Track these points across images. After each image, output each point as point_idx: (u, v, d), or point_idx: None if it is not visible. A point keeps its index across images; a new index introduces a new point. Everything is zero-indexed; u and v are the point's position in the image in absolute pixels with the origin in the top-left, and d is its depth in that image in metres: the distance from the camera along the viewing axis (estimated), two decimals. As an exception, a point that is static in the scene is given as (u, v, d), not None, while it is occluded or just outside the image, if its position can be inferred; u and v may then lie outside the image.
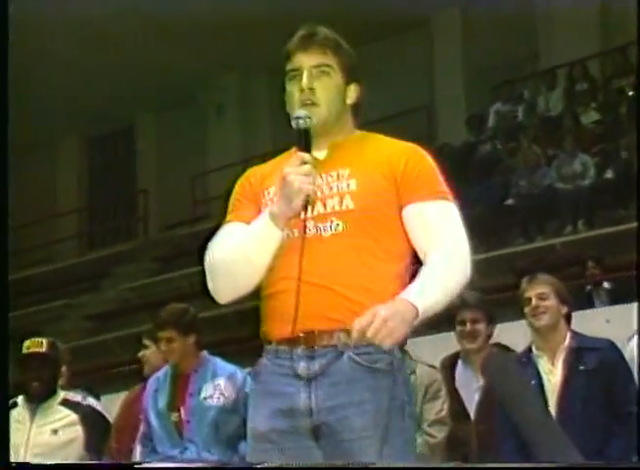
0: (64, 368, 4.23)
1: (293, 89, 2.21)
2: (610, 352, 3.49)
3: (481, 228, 8.35)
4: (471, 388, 3.69)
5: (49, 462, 3.91)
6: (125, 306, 10.82)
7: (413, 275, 2.20)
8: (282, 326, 2.14)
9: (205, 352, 3.87)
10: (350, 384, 2.10)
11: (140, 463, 3.46)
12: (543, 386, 3.43)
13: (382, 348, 2.05)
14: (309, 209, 2.13)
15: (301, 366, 2.12)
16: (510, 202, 8.44)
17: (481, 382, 3.73)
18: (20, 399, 4.02)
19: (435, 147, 10.24)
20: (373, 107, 11.38)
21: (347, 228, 2.14)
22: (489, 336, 3.78)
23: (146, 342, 4.27)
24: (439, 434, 3.62)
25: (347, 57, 2.24)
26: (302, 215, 2.13)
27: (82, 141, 13.75)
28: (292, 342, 2.13)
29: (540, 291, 3.51)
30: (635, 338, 3.78)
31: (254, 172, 2.34)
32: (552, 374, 3.42)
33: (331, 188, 2.17)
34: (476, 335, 3.73)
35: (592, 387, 3.37)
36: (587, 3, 9.87)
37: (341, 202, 2.15)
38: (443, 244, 2.15)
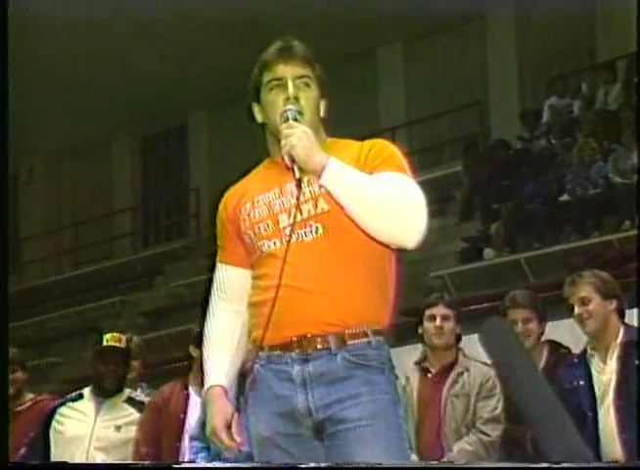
0: (136, 363, 4.29)
1: (276, 98, 2.27)
2: None
3: (536, 224, 8.24)
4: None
5: (110, 458, 3.96)
6: (178, 303, 10.92)
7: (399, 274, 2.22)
8: (274, 332, 2.18)
9: None
10: (346, 380, 2.16)
11: (139, 464, 3.45)
12: (592, 386, 3.36)
13: (375, 347, 2.15)
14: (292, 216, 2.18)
15: (296, 370, 2.18)
16: (565, 198, 8.30)
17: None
18: (86, 391, 4.09)
19: (490, 144, 10.16)
20: (429, 103, 11.37)
21: (327, 230, 2.19)
22: (542, 334, 3.73)
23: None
24: (494, 432, 3.58)
25: (321, 72, 2.32)
26: (296, 174, 2.16)
27: (136, 140, 13.92)
28: (285, 346, 2.19)
29: (582, 295, 3.42)
30: None
31: (231, 195, 2.40)
32: (603, 372, 3.36)
33: (304, 194, 2.21)
34: (528, 334, 3.68)
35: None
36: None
37: (315, 205, 2.20)
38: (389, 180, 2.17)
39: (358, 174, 2.15)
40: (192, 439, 3.84)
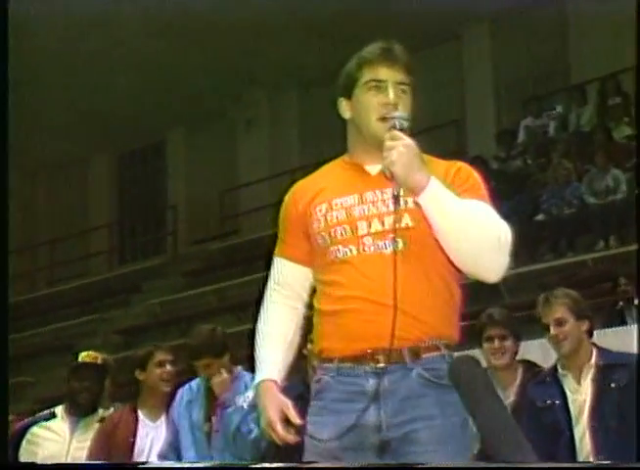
0: (107, 382, 4.26)
1: (372, 100, 2.21)
2: None
3: (511, 244, 8.28)
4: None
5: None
6: (153, 321, 10.86)
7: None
8: (347, 344, 2.15)
9: (239, 368, 3.89)
10: (419, 399, 2.12)
11: (140, 464, 3.44)
12: (567, 405, 3.38)
13: (448, 361, 2.11)
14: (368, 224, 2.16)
15: (370, 383, 2.13)
16: (540, 217, 8.37)
17: (511, 398, 3.69)
18: (59, 409, 4.05)
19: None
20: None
21: (408, 246, 2.15)
22: (516, 352, 3.75)
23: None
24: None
25: (414, 79, 2.27)
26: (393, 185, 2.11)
27: (113, 157, 13.89)
28: (357, 359, 2.15)
29: (557, 316, 3.43)
30: None
31: (302, 191, 2.34)
32: (578, 393, 3.37)
33: (388, 206, 2.17)
34: (503, 351, 3.69)
35: (626, 403, 3.31)
36: (619, 16, 9.80)
37: (400, 219, 2.15)
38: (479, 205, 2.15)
39: (456, 200, 2.10)
40: (160, 457, 3.85)
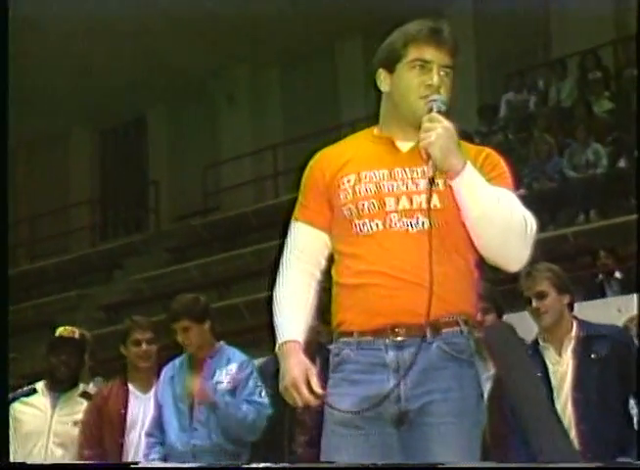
0: (85, 357, 4.28)
1: (416, 80, 2.21)
2: (620, 337, 3.48)
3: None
4: (481, 378, 3.69)
5: (69, 453, 3.94)
6: (137, 297, 10.86)
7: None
8: (368, 318, 2.17)
9: (221, 342, 3.92)
10: (438, 371, 2.16)
11: (137, 463, 3.47)
12: (549, 377, 3.42)
13: (466, 337, 2.16)
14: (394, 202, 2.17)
15: (390, 355, 2.16)
16: (521, 192, 8.40)
17: (492, 371, 3.73)
18: (39, 385, 4.06)
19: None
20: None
21: (435, 226, 2.17)
22: (499, 326, 3.78)
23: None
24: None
25: (457, 60, 2.27)
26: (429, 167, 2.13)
27: (94, 133, 13.79)
28: (377, 333, 2.17)
29: (539, 289, 3.46)
30: None
31: (329, 160, 2.30)
32: (559, 364, 3.41)
33: (417, 184, 2.19)
34: (486, 325, 3.73)
35: (606, 374, 3.36)
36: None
37: (428, 199, 2.17)
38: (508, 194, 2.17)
39: (488, 187, 2.14)
40: (147, 435, 3.89)
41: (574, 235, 7.87)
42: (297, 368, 2.17)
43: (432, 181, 2.14)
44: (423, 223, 2.17)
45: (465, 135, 8.78)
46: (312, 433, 3.80)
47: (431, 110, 2.16)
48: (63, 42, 11.17)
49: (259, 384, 3.83)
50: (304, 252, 2.30)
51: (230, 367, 3.82)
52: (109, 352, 8.84)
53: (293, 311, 2.26)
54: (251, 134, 12.37)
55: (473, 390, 2.19)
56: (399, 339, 2.15)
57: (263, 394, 3.80)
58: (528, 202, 8.34)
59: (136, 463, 3.58)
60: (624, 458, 3.29)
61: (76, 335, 4.05)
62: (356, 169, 2.23)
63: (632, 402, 3.50)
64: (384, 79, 2.26)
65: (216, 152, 12.52)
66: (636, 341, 3.65)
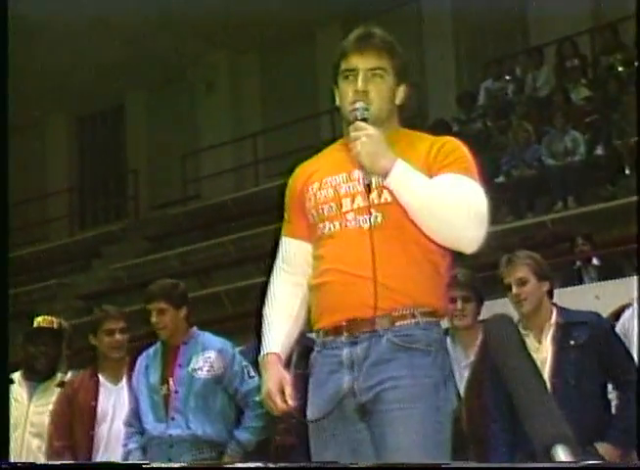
0: (63, 347, 4.25)
1: (347, 89, 2.32)
2: (598, 324, 3.52)
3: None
4: (460, 365, 3.72)
5: (44, 443, 3.92)
6: (117, 286, 10.82)
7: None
8: (327, 316, 2.28)
9: (195, 328, 3.90)
10: (389, 362, 2.22)
11: (141, 464, 3.48)
12: None
13: (423, 328, 2.21)
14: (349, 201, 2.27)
15: (345, 352, 2.24)
16: (500, 179, 8.46)
17: (471, 359, 3.76)
18: (17, 376, 4.04)
19: (429, 124, 10.26)
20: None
21: (386, 220, 2.24)
22: (478, 313, 3.81)
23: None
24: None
25: (400, 59, 2.37)
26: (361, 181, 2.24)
27: (71, 120, 13.68)
28: (335, 331, 2.26)
29: (519, 276, 3.49)
30: (627, 311, 3.80)
31: (301, 172, 2.44)
32: (539, 351, 3.44)
33: (371, 182, 2.27)
34: (466, 313, 3.75)
35: (585, 361, 3.40)
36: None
37: (379, 195, 2.25)
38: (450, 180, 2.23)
39: (422, 179, 2.20)
40: (125, 424, 3.88)
41: (553, 222, 7.93)
42: (271, 381, 2.29)
43: (368, 188, 2.24)
44: (376, 218, 2.25)
45: (442, 124, 8.82)
46: (290, 421, 3.82)
47: (355, 118, 2.27)
48: (40, 28, 11.06)
49: (245, 363, 3.81)
50: (289, 263, 2.40)
51: (208, 355, 3.79)
52: (81, 341, 8.83)
53: (274, 324, 2.36)
54: (231, 122, 12.33)
55: (426, 377, 2.22)
56: (354, 335, 2.23)
57: (252, 372, 3.78)
58: (507, 189, 8.42)
59: (137, 464, 3.58)
60: (602, 443, 3.33)
61: (55, 325, 4.03)
62: (320, 177, 2.37)
63: (610, 388, 3.54)
64: (336, 94, 2.39)
65: (196, 140, 12.47)
66: (617, 328, 3.69)
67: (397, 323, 2.22)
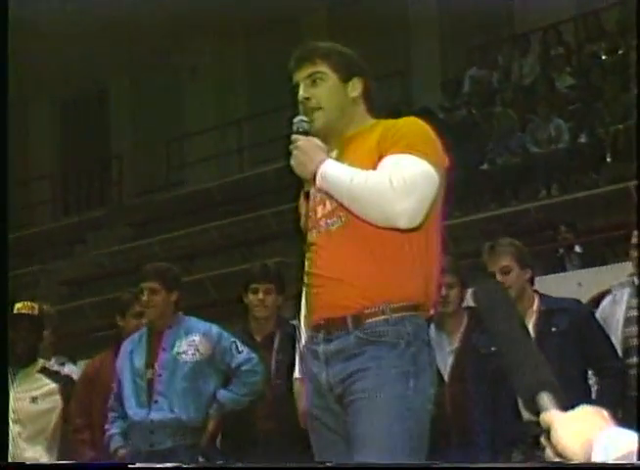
0: (47, 332, 4.25)
1: (297, 102, 2.45)
2: (579, 310, 3.55)
3: (456, 193, 8.39)
4: (444, 351, 3.75)
5: (26, 430, 3.93)
6: (100, 272, 10.79)
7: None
8: (309, 316, 2.42)
9: (180, 313, 3.91)
10: (357, 356, 2.32)
11: (135, 463, 3.48)
12: None
13: (393, 324, 2.28)
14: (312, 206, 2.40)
15: (321, 349, 2.36)
16: (484, 167, 8.49)
17: (455, 345, 3.78)
18: None
19: (414, 112, 10.27)
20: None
21: (347, 220, 2.33)
22: (462, 300, 3.83)
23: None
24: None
25: (338, 59, 2.46)
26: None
27: (55, 105, 13.59)
28: (315, 329, 2.39)
29: (503, 264, 3.51)
30: (607, 298, 3.83)
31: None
32: None
33: (309, 191, 2.40)
34: (450, 300, 3.77)
35: (566, 347, 3.43)
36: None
37: (306, 213, 2.41)
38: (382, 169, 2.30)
39: (345, 172, 2.29)
40: (108, 409, 3.90)
41: (536, 210, 7.97)
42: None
43: (307, 195, 2.39)
44: (340, 219, 2.34)
45: (426, 111, 8.83)
46: (272, 407, 3.84)
47: (296, 132, 2.40)
48: (24, 12, 10.96)
49: (232, 339, 3.83)
50: None
51: (192, 338, 3.80)
52: (72, 327, 8.81)
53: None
54: (216, 107, 12.29)
55: (393, 367, 2.28)
56: (329, 332, 2.34)
57: (240, 347, 3.81)
58: (491, 177, 8.44)
59: (134, 463, 3.58)
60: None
61: (35, 311, 4.02)
62: (305, 190, 2.47)
63: (590, 373, 3.58)
64: None
65: (180, 126, 12.42)
66: (597, 314, 3.72)
67: (367, 321, 2.30)
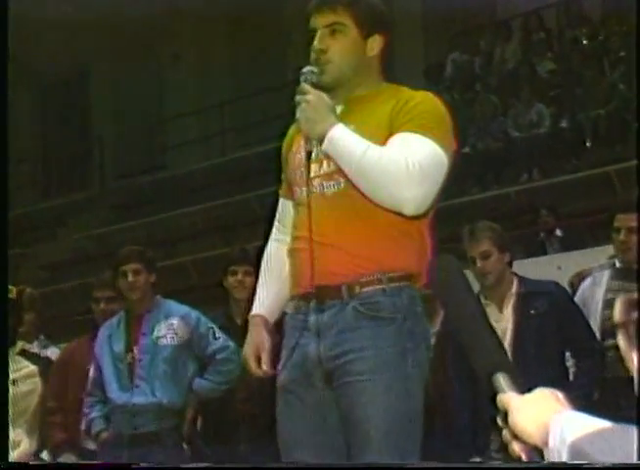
0: (29, 316, 4.24)
1: (310, 50, 2.28)
2: (558, 293, 3.58)
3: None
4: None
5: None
6: (82, 256, 10.76)
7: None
8: (298, 283, 2.27)
9: (158, 296, 3.91)
10: (353, 332, 2.20)
11: (143, 464, 3.49)
12: None
13: (389, 295, 2.17)
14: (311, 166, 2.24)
15: (312, 319, 2.23)
16: (466, 151, 8.52)
17: (437, 328, 3.81)
18: None
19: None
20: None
21: (348, 185, 2.19)
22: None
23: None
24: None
25: (364, 11, 2.29)
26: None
27: (36, 88, 13.49)
28: (304, 297, 2.25)
29: (482, 249, 3.52)
30: (587, 280, 3.86)
31: (290, 134, 2.43)
32: (500, 321, 3.50)
33: (312, 150, 2.25)
34: (430, 282, 3.79)
35: (545, 329, 3.46)
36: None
37: (307, 173, 2.24)
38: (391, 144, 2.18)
39: (359, 143, 2.14)
40: (86, 394, 3.90)
41: (517, 194, 8.01)
42: (249, 344, 2.31)
43: (309, 155, 2.23)
44: (339, 184, 2.22)
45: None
46: (251, 390, 3.85)
47: (303, 81, 2.23)
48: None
49: (210, 325, 3.83)
50: (282, 223, 2.40)
51: (171, 322, 3.79)
52: (54, 310, 8.79)
53: (263, 285, 2.38)
54: (198, 91, 12.24)
55: (390, 346, 2.19)
56: (322, 302, 2.21)
57: (217, 333, 3.81)
58: (473, 161, 8.49)
59: (137, 464, 3.59)
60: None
61: (12, 294, 4.01)
62: (298, 140, 2.33)
63: (568, 355, 3.62)
64: None
65: (162, 109, 12.37)
66: (576, 297, 3.76)
67: (363, 290, 2.19)
